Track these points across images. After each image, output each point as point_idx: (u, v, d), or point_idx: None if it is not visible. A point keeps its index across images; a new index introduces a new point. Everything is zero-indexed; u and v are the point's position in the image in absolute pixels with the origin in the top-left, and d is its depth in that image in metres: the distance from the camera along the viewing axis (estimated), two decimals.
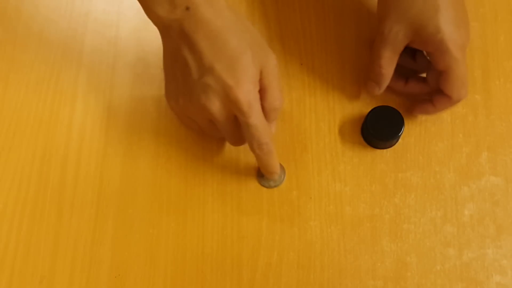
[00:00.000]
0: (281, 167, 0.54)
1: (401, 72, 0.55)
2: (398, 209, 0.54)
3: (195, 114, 0.50)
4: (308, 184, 0.55)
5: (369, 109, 0.55)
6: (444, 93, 0.52)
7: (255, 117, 0.48)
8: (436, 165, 0.55)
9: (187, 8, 0.47)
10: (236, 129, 0.50)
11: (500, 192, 0.54)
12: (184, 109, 0.51)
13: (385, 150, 0.55)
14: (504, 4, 0.61)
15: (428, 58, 0.55)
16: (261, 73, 0.49)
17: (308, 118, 0.57)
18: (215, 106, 0.48)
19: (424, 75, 0.55)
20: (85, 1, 0.63)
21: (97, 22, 0.62)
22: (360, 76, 0.58)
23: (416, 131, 0.56)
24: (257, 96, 0.48)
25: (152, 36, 0.61)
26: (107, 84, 0.59)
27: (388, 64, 0.53)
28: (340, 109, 0.57)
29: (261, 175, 0.54)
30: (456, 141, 0.56)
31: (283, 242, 0.53)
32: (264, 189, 0.55)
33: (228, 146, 0.56)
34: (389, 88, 0.55)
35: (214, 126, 0.51)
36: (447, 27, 0.49)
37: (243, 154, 0.56)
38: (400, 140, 0.56)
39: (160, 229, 0.54)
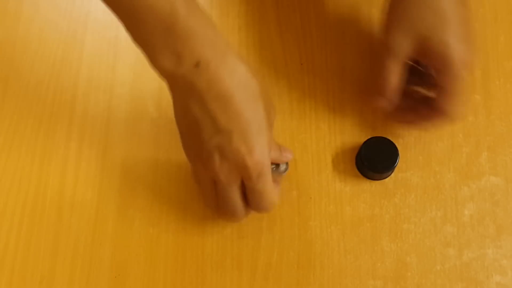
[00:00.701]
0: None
1: (410, 103, 0.54)
2: (398, 209, 0.54)
3: (202, 170, 0.47)
4: (308, 184, 0.55)
5: (369, 109, 0.55)
6: (440, 108, 0.50)
7: (262, 182, 0.46)
8: (436, 165, 0.55)
9: (197, 65, 0.43)
10: (236, 197, 0.48)
11: (500, 192, 0.54)
12: (195, 162, 0.48)
13: None
14: (504, 4, 0.61)
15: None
16: None
17: (308, 118, 0.57)
18: (224, 168, 0.45)
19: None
20: (85, 1, 0.63)
21: (97, 22, 0.62)
22: (361, 76, 0.58)
23: (416, 131, 0.56)
24: (269, 160, 0.47)
25: None
26: (107, 84, 0.59)
27: (393, 75, 0.51)
28: (340, 109, 0.57)
29: None
30: (456, 141, 0.56)
31: (283, 242, 0.53)
32: None
33: None
34: (400, 121, 0.55)
35: (213, 190, 0.48)
36: (454, 42, 0.48)
37: None
38: (400, 140, 0.56)
39: (160, 229, 0.54)
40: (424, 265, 0.52)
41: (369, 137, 0.54)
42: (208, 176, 0.47)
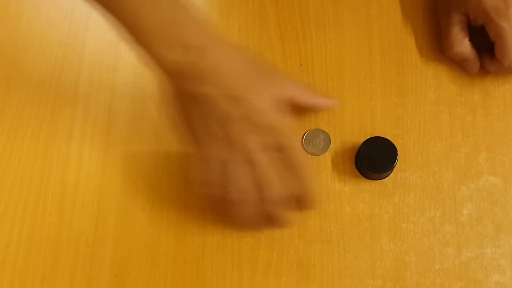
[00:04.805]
0: (325, 133, 0.56)
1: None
2: (397, 209, 0.54)
3: (232, 149, 0.47)
4: None
5: (369, 109, 0.55)
6: (497, 59, 0.55)
7: (295, 140, 0.49)
8: (435, 165, 0.56)
9: (203, 49, 0.46)
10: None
11: (499, 191, 0.55)
12: (220, 146, 0.47)
13: None
14: None
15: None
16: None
17: (308, 118, 0.57)
18: (255, 134, 0.47)
19: None
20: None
21: (98, 23, 0.62)
22: (360, 77, 0.59)
23: (415, 131, 0.57)
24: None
25: None
26: (108, 84, 0.59)
27: (458, 40, 0.57)
28: (339, 109, 0.57)
29: (308, 142, 0.55)
30: (454, 141, 0.56)
31: (283, 241, 0.53)
32: None
33: None
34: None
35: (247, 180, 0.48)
36: None
37: None
38: (399, 140, 0.56)
39: (161, 229, 0.54)
40: (423, 265, 0.52)
41: (368, 137, 0.55)
42: (241, 162, 0.47)
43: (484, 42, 0.56)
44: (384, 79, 0.59)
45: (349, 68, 0.59)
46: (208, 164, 0.48)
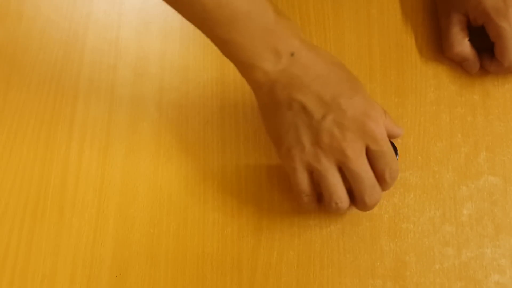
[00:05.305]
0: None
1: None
2: (397, 209, 0.54)
3: (323, 158, 0.47)
4: None
5: None
6: (497, 60, 0.55)
7: (387, 144, 0.48)
8: (435, 165, 0.56)
9: (292, 54, 0.46)
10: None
11: (499, 191, 0.55)
12: (311, 155, 0.47)
13: None
14: None
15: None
16: None
17: None
18: (348, 140, 0.46)
19: None
20: (86, 2, 0.63)
21: (98, 23, 0.62)
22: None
23: (415, 131, 0.57)
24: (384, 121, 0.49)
25: (152, 37, 0.61)
26: (108, 84, 0.59)
27: (458, 40, 0.57)
28: None
29: None
30: (454, 141, 0.56)
31: (283, 241, 0.53)
32: (264, 188, 0.55)
33: (228, 146, 0.57)
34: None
35: (337, 179, 0.48)
36: None
37: (244, 154, 0.56)
38: (399, 140, 0.56)
39: (161, 229, 0.54)
40: (423, 264, 0.52)
41: None
42: (333, 164, 0.47)
43: (484, 42, 0.56)
44: (384, 79, 0.59)
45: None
46: (299, 174, 0.48)
